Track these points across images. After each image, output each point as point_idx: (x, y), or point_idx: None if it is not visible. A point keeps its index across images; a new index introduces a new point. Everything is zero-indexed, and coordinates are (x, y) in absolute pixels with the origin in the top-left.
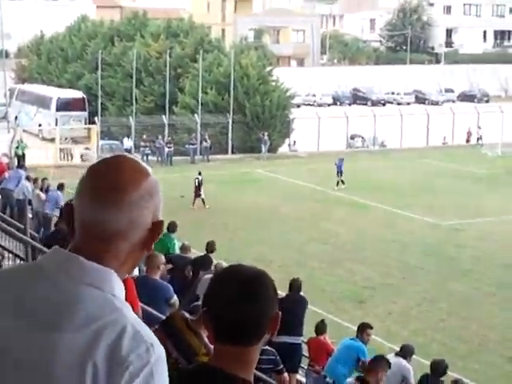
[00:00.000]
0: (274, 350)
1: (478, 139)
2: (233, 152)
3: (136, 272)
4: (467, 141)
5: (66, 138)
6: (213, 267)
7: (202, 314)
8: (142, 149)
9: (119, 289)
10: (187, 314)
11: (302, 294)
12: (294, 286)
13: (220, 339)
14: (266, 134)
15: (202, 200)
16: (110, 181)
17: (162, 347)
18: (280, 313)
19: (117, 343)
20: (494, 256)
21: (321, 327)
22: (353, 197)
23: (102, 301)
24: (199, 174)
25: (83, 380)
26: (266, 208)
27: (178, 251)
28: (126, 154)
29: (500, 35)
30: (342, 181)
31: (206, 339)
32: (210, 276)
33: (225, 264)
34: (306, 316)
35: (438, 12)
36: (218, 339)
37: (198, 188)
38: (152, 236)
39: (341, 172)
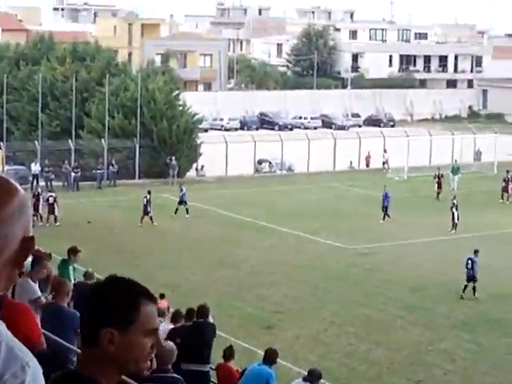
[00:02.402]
0: (181, 378)
1: (384, 163)
2: (140, 177)
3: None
4: (367, 165)
5: None
6: (82, 277)
7: None
8: (45, 174)
9: None
10: None
11: (210, 319)
12: (201, 312)
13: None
14: (173, 158)
15: (151, 218)
16: None
17: (38, 365)
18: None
19: None
20: (401, 279)
21: (229, 353)
22: (261, 221)
23: None
24: (148, 192)
25: None
26: (174, 233)
27: (72, 278)
28: None
29: (406, 60)
30: (186, 209)
31: None
32: None
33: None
34: (214, 342)
35: (344, 37)
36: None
37: (146, 206)
38: (23, 252)
39: (184, 201)
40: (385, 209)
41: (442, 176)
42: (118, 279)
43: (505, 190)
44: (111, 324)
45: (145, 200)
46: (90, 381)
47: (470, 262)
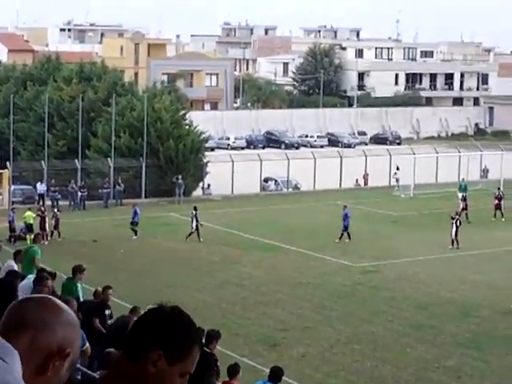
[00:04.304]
0: None
1: (396, 180)
2: (146, 196)
3: None
4: (365, 183)
5: None
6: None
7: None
8: (51, 193)
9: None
10: None
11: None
12: None
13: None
14: (180, 177)
15: (190, 234)
16: None
17: None
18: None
19: None
20: (407, 297)
21: (232, 371)
22: (267, 240)
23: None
24: (194, 209)
25: None
26: (180, 251)
27: (80, 295)
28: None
29: (412, 78)
30: (135, 231)
31: None
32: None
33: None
34: (220, 359)
35: (350, 56)
36: None
37: (192, 222)
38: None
39: (134, 222)
40: (344, 228)
41: (466, 198)
42: (187, 315)
43: (497, 207)
44: (166, 351)
45: (191, 216)
46: None
47: None
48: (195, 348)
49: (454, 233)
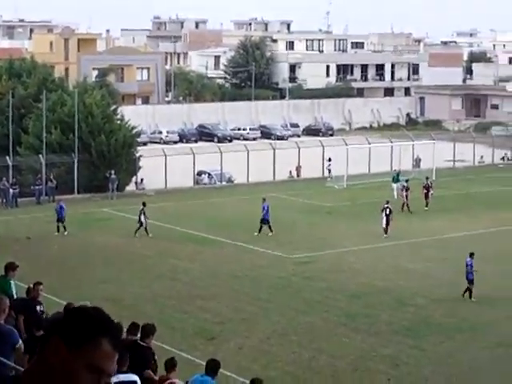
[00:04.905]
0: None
1: (329, 171)
2: (79, 192)
3: None
4: (298, 175)
5: None
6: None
7: None
8: None
9: None
10: None
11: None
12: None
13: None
14: (113, 172)
15: (145, 229)
16: None
17: None
18: None
19: None
20: (342, 287)
21: (169, 365)
22: (201, 233)
23: None
24: (143, 204)
25: None
26: (114, 247)
27: (14, 293)
28: None
29: (343, 69)
30: (64, 226)
31: None
32: None
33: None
34: (157, 354)
35: (281, 48)
36: None
37: (139, 218)
38: None
39: (61, 218)
40: (266, 221)
41: (408, 188)
42: (100, 311)
43: (426, 196)
44: (63, 336)
45: (139, 211)
46: None
47: (466, 264)
48: (102, 340)
49: (384, 222)
